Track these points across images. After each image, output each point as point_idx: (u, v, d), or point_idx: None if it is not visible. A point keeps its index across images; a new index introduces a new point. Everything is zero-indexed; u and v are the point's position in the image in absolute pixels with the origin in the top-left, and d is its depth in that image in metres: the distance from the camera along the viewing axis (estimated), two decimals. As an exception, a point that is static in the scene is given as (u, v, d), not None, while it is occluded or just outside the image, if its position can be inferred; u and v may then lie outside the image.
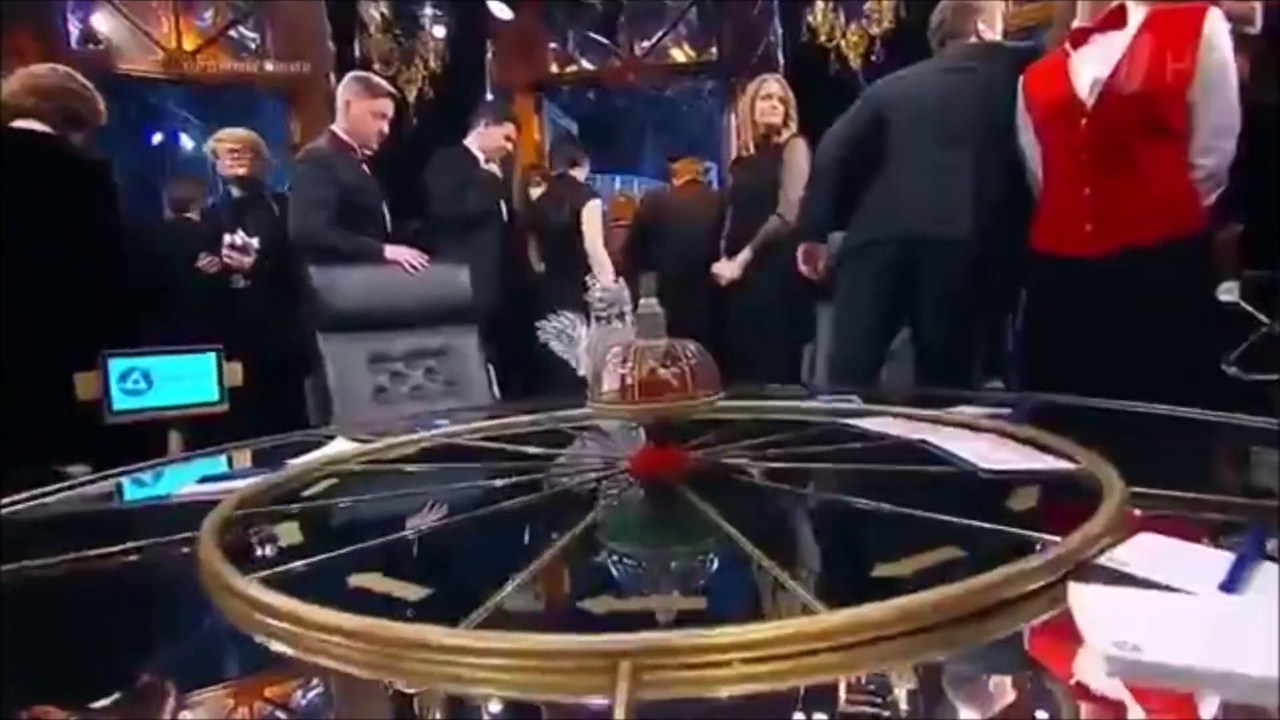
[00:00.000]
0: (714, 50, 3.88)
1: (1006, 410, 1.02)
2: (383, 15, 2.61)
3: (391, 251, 2.35)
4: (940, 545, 0.50)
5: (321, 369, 2.03)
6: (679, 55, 3.93)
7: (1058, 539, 0.47)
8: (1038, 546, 0.50)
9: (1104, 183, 1.60)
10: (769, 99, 2.65)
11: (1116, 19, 1.58)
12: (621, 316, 1.35)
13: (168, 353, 1.72)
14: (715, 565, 0.60)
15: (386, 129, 2.49)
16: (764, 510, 0.72)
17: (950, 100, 1.92)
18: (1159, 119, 1.50)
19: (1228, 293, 0.70)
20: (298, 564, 0.56)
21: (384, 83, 2.49)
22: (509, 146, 2.87)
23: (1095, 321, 1.62)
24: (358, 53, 2.72)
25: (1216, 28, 1.45)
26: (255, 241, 2.31)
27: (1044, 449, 0.76)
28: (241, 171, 2.51)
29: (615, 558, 0.62)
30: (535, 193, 3.30)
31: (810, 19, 2.69)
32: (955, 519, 0.56)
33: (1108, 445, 0.67)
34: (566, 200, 2.92)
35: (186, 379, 1.73)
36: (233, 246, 2.33)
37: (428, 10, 2.67)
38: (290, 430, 2.02)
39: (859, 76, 2.71)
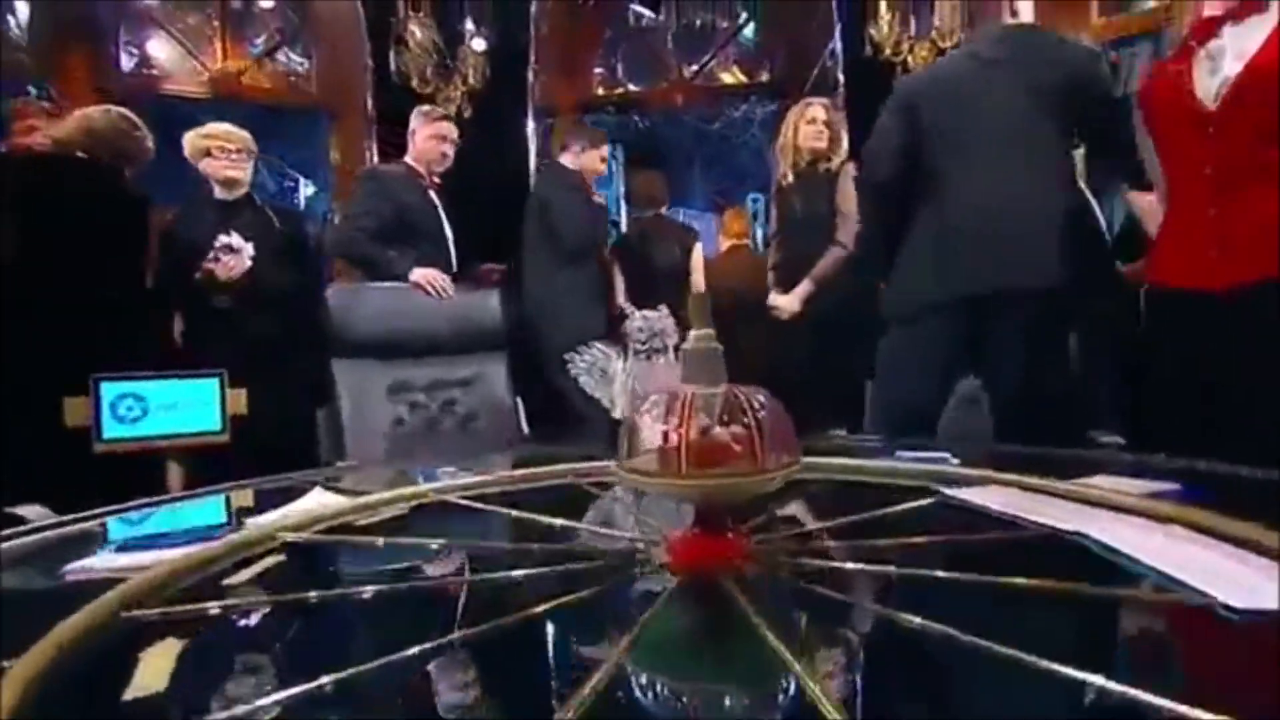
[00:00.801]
0: (766, 73, 3.71)
1: (1166, 485, 0.76)
2: (422, 30, 2.51)
3: (418, 273, 2.21)
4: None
5: (335, 398, 1.87)
6: (728, 78, 3.78)
7: None
8: None
9: (1232, 202, 1.33)
10: (814, 124, 2.46)
11: (1254, 2, 1.32)
12: (664, 350, 1.15)
13: (166, 378, 1.57)
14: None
15: (450, 151, 2.51)
16: (860, 650, 0.49)
17: (992, 96, 1.60)
18: None
19: None
20: None
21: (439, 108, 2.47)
22: (604, 170, 2.81)
23: (1221, 367, 1.34)
24: (394, 68, 2.62)
25: None
26: (250, 247, 2.16)
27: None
28: (238, 174, 2.30)
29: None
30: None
31: (873, 32, 2.48)
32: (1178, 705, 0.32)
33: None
34: (675, 240, 2.81)
35: (185, 406, 1.58)
36: (228, 248, 2.12)
37: (469, 25, 2.57)
38: (294, 467, 1.83)
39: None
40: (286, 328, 2.18)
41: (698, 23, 3.82)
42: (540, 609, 0.50)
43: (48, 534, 0.76)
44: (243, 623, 0.52)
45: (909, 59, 2.48)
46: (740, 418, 0.56)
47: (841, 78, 2.85)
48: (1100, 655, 0.47)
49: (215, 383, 1.63)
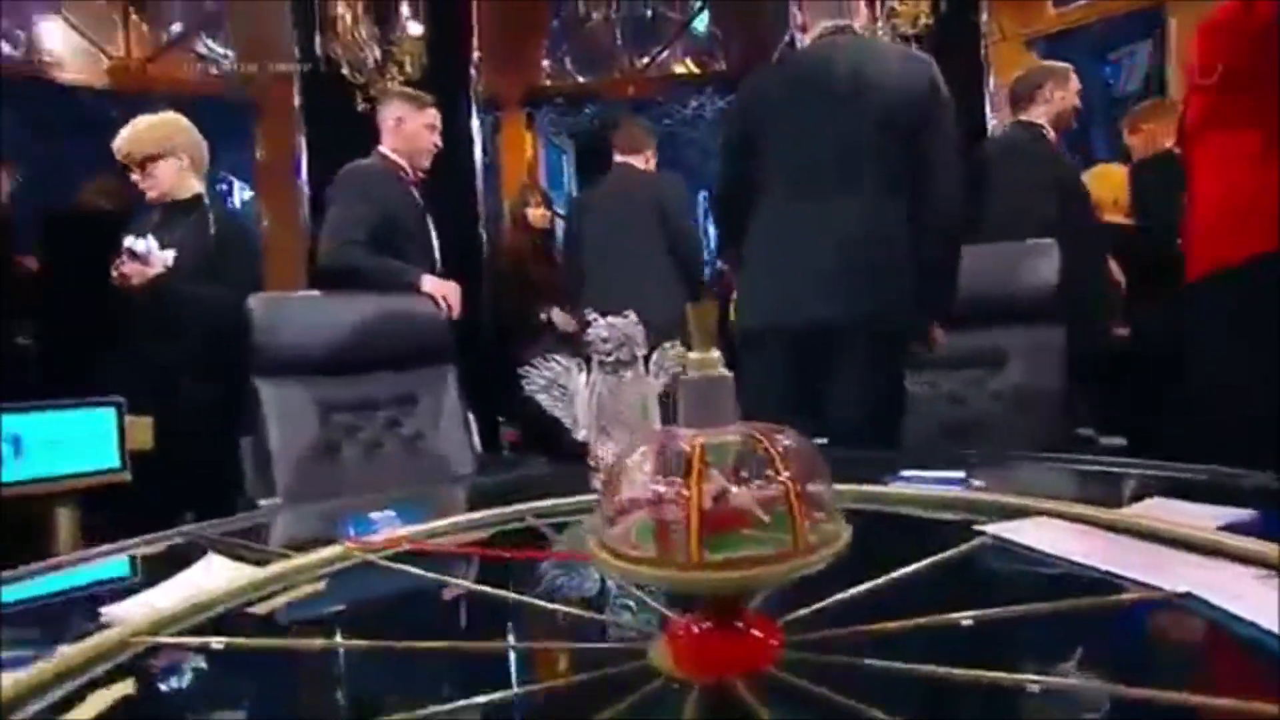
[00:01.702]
0: (720, 64, 3.59)
1: (1237, 513, 0.64)
2: (352, 14, 2.30)
3: (431, 284, 2.02)
4: None
5: (261, 423, 1.65)
6: (680, 70, 3.64)
7: None
8: None
9: None
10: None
11: None
12: (633, 362, 1.00)
13: (48, 408, 1.34)
14: None
15: (439, 142, 2.26)
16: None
17: (813, 117, 1.47)
18: None
19: None
20: None
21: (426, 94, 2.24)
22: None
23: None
24: (320, 53, 2.40)
25: None
26: (169, 255, 1.91)
27: None
28: (148, 187, 2.05)
29: None
30: (533, 214, 2.97)
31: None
32: None
33: None
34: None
35: (74, 442, 1.35)
36: (132, 254, 1.87)
37: (404, 8, 2.36)
38: (212, 508, 1.60)
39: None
40: (205, 346, 1.93)
41: (648, 13, 3.67)
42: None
43: None
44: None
45: (872, 45, 2.38)
46: (765, 473, 0.41)
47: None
48: None
49: (112, 413, 1.40)
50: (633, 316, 0.98)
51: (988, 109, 2.59)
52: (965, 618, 0.48)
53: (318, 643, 0.56)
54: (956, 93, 2.57)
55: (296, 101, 2.72)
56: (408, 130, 2.22)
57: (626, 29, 3.65)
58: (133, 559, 0.80)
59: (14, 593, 0.69)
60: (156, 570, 0.70)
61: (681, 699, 0.39)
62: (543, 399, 1.02)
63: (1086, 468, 0.97)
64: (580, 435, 0.99)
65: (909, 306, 1.47)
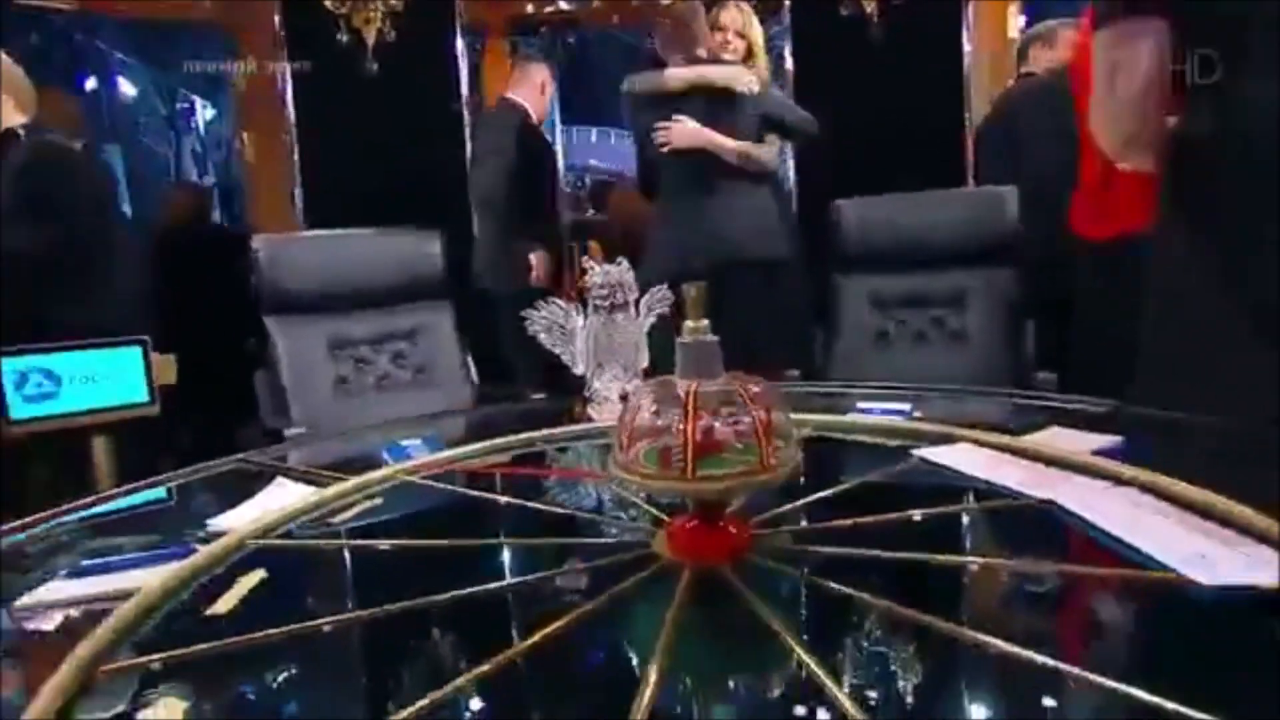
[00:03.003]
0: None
1: (1111, 440, 0.80)
2: (333, -58, 2.26)
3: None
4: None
5: (272, 358, 1.77)
6: (667, -4, 3.58)
7: None
8: None
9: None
10: (723, 31, 2.12)
11: None
12: (625, 306, 1.13)
13: (79, 348, 1.44)
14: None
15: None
16: (867, 643, 0.51)
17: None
18: None
19: None
20: None
21: None
22: None
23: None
24: (304, -16, 2.37)
25: None
26: None
27: (1241, 529, 0.55)
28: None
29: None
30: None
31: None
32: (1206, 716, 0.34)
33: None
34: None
35: (105, 378, 1.46)
36: None
37: (385, -62, 2.33)
38: (234, 436, 1.72)
39: (873, 20, 2.43)
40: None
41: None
42: (564, 621, 0.49)
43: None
44: (237, 668, 0.50)
45: (854, -19, 2.41)
46: (741, 413, 0.55)
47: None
48: (1085, 639, 0.51)
49: (138, 351, 1.51)
50: (624, 264, 1.10)
51: (965, 66, 2.64)
52: (888, 518, 0.64)
53: (387, 544, 0.71)
54: (936, 30, 2.62)
55: (278, 30, 2.67)
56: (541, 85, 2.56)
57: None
58: (207, 481, 0.94)
59: (116, 505, 0.83)
60: (230, 491, 0.85)
61: (678, 576, 0.55)
62: (543, 338, 1.14)
63: (1012, 400, 1.14)
64: (578, 370, 1.13)
65: None
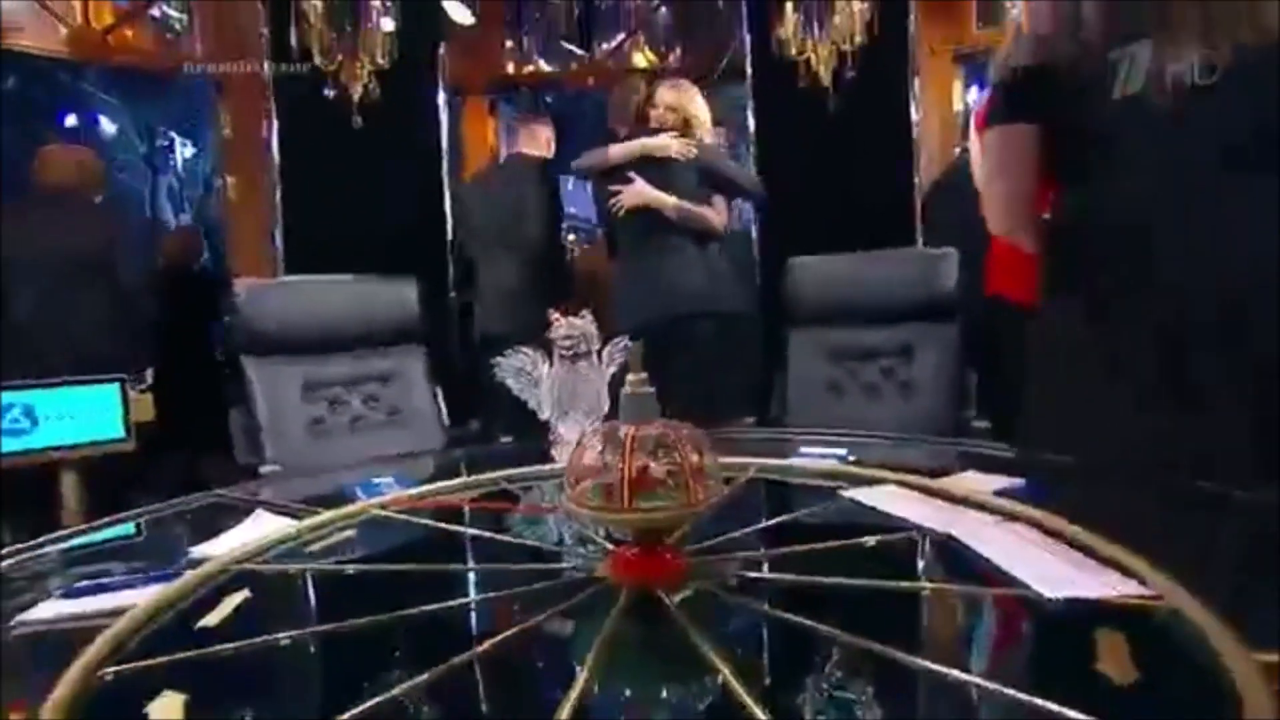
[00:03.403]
0: (674, 56, 3.77)
1: (1015, 482, 0.91)
2: (324, 5, 2.40)
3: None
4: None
5: (249, 398, 1.82)
6: (640, 60, 3.80)
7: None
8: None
9: None
10: (657, 107, 2.34)
11: None
12: (588, 354, 1.21)
13: (58, 385, 1.49)
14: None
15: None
16: (778, 653, 0.59)
17: None
18: None
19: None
20: None
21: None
22: None
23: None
24: (294, 44, 2.49)
25: None
26: None
27: (1093, 554, 0.65)
28: None
29: None
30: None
31: (780, 31, 2.60)
32: (1048, 702, 0.44)
33: (1163, 548, 0.58)
34: None
35: (82, 415, 1.51)
36: None
37: (375, 2, 2.47)
38: (214, 472, 1.77)
39: (829, 92, 2.63)
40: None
41: (609, 2, 3.81)
42: (508, 634, 0.56)
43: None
44: (224, 667, 0.56)
45: (812, 59, 2.61)
46: (671, 454, 0.64)
47: (750, 70, 2.96)
48: (999, 657, 0.60)
49: (115, 388, 1.56)
50: (588, 317, 1.20)
51: (913, 115, 2.85)
52: (812, 548, 0.73)
53: (353, 568, 0.78)
54: (887, 101, 2.82)
55: (266, 80, 2.79)
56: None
57: (589, 17, 3.78)
58: (183, 514, 1.00)
59: (100, 535, 0.89)
60: (209, 522, 0.90)
61: (618, 596, 0.63)
62: (511, 384, 1.23)
63: (937, 446, 1.24)
64: (543, 416, 1.21)
65: None
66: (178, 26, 3.55)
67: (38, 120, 5.63)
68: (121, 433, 1.55)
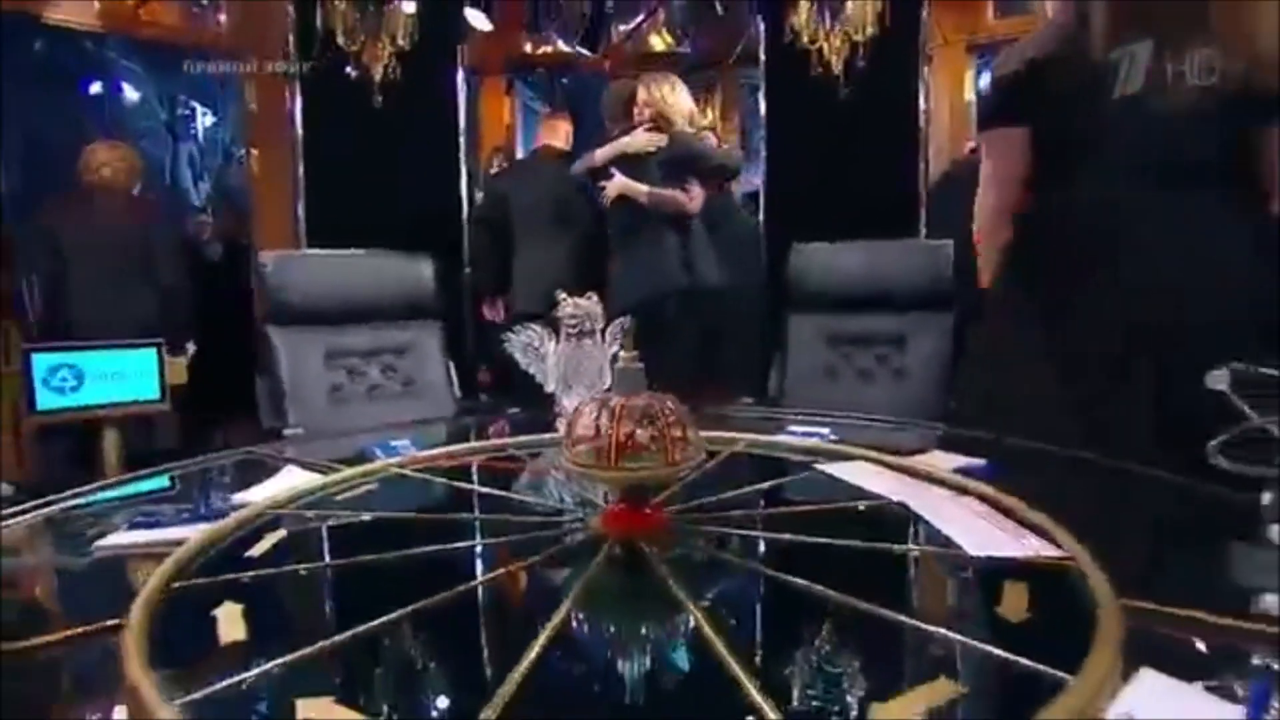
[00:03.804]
0: (688, 43, 3.81)
1: (975, 461, 1.00)
2: (346, -3, 2.47)
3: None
4: (937, 675, 0.47)
5: (274, 365, 1.93)
6: (658, 43, 3.84)
7: (1066, 677, 0.45)
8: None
9: None
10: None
11: None
12: (592, 333, 1.30)
13: (102, 348, 1.60)
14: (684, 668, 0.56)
15: None
16: (737, 596, 0.69)
17: None
18: None
19: (1217, 380, 0.69)
20: (244, 675, 0.50)
21: None
22: None
23: None
24: (319, 23, 2.56)
25: None
26: None
27: (1026, 524, 0.74)
28: None
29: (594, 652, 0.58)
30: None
31: (794, 20, 2.64)
32: (952, 633, 0.53)
33: (1087, 521, 0.66)
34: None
35: (123, 376, 1.62)
36: None
37: (399, -14, 2.54)
38: (238, 434, 1.89)
39: (840, 81, 2.67)
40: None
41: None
42: (513, 568, 0.66)
43: (42, 511, 0.86)
44: (267, 589, 0.67)
45: (824, 47, 2.65)
46: (654, 423, 0.73)
47: (763, 57, 3.00)
48: (923, 599, 0.69)
49: (154, 352, 1.67)
50: (594, 298, 1.29)
51: (922, 106, 2.88)
52: (779, 510, 0.83)
53: (388, 515, 0.88)
54: (897, 91, 2.86)
55: (291, 59, 2.86)
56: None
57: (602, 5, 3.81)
58: (222, 468, 1.10)
59: (150, 484, 1.00)
60: (245, 476, 1.01)
61: (606, 545, 0.72)
62: (519, 358, 1.32)
63: (919, 429, 1.33)
64: (549, 388, 1.30)
65: None
66: (204, 1, 3.63)
67: (61, 87, 5.73)
68: (157, 394, 1.66)
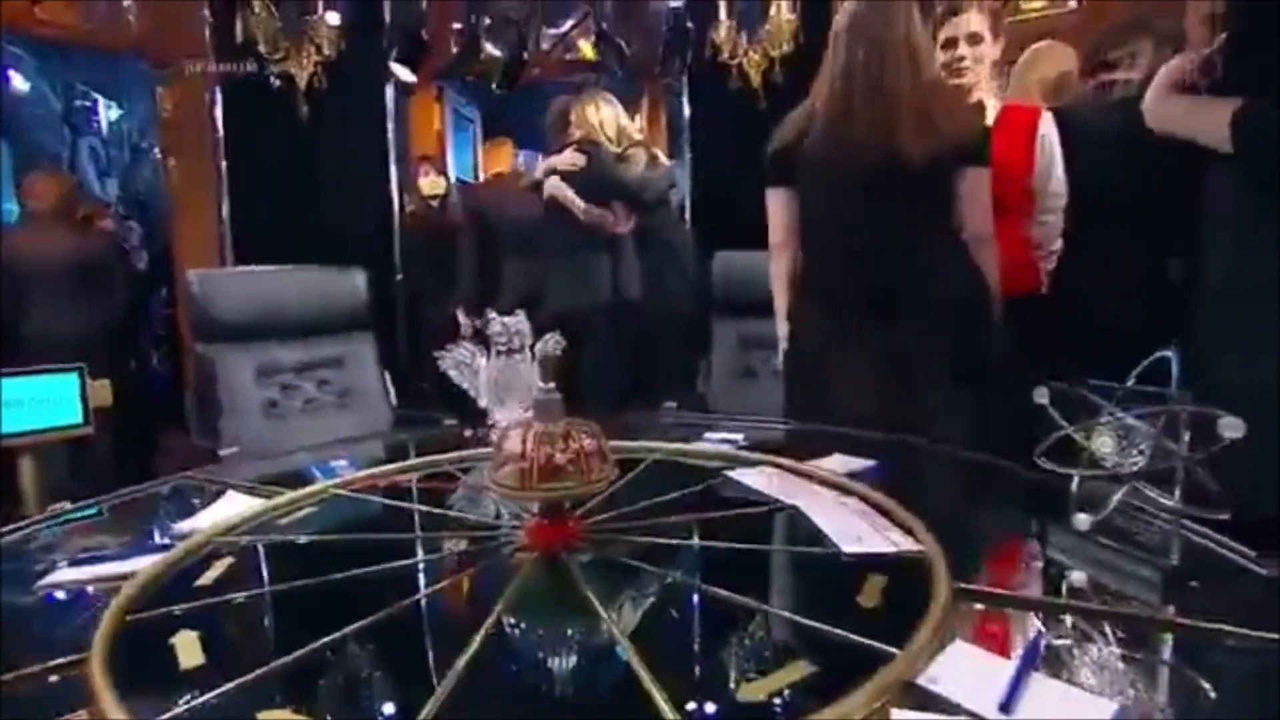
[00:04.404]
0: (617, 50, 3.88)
1: (866, 463, 1.13)
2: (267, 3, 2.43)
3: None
4: (797, 657, 0.58)
5: (205, 382, 1.93)
6: (587, 50, 3.90)
7: (895, 651, 0.56)
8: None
9: None
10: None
11: None
12: (521, 350, 1.38)
13: (18, 374, 1.58)
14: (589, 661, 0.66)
15: None
16: (640, 596, 0.79)
17: None
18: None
19: (1040, 396, 0.83)
20: (203, 697, 0.57)
21: None
22: None
23: None
24: (239, 30, 2.52)
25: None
26: None
27: (895, 522, 0.87)
28: None
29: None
30: (424, 183, 3.21)
31: (714, 35, 2.75)
32: (813, 622, 0.64)
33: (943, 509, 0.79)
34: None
35: (42, 403, 1.60)
36: None
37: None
38: (172, 454, 1.88)
39: (759, 94, 2.81)
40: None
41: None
42: (445, 583, 0.75)
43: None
44: (218, 615, 0.73)
45: (743, 62, 2.78)
46: (571, 446, 0.82)
47: (687, 69, 3.11)
48: (795, 592, 0.81)
49: (74, 376, 1.66)
50: (521, 316, 1.37)
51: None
52: (686, 519, 0.93)
53: (330, 538, 0.95)
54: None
55: (211, 67, 2.80)
56: None
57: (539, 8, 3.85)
58: (156, 494, 1.14)
59: (86, 513, 1.03)
60: (183, 503, 1.05)
61: (529, 557, 0.82)
62: (453, 374, 1.39)
63: (819, 431, 1.46)
64: (481, 403, 1.37)
65: None
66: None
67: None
68: (80, 419, 1.65)
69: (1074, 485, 0.80)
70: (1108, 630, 0.65)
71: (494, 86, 3.31)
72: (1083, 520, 0.78)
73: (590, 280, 2.49)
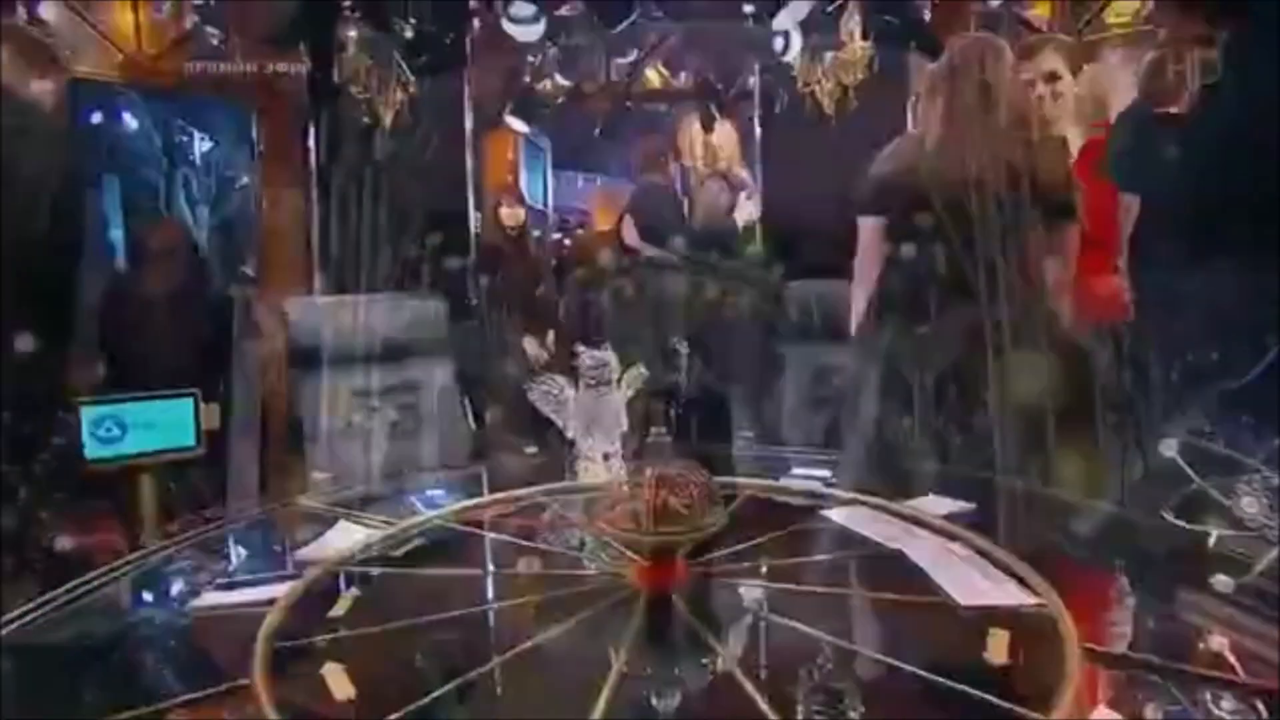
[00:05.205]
0: (683, 78, 3.95)
1: (963, 505, 1.11)
2: (360, 35, 2.58)
3: None
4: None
5: (296, 407, 2.03)
6: (654, 78, 3.97)
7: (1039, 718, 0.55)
8: None
9: None
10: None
11: None
12: (608, 382, 1.41)
13: (142, 399, 1.70)
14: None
15: None
16: (759, 643, 0.79)
17: None
18: None
19: (1168, 448, 0.80)
20: None
21: None
22: None
23: None
24: (336, 73, 2.68)
25: None
26: None
27: (1008, 571, 0.85)
28: None
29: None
30: (505, 213, 3.30)
31: (790, 61, 2.77)
32: (941, 679, 0.64)
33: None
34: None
35: (162, 426, 1.72)
36: None
37: (409, 33, 2.65)
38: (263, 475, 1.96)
39: (832, 123, 2.81)
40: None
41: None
42: (559, 629, 0.77)
43: (128, 570, 0.96)
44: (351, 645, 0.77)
45: (816, 90, 2.79)
46: (685, 490, 0.84)
47: (758, 97, 3.14)
48: (916, 648, 0.80)
49: (191, 402, 1.77)
50: (609, 350, 1.40)
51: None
52: (791, 562, 0.93)
53: (444, 572, 0.98)
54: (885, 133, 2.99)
55: (305, 106, 2.97)
56: None
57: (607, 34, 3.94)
58: (268, 519, 1.20)
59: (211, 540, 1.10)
60: (298, 527, 1.11)
61: (640, 597, 0.83)
62: (541, 406, 1.42)
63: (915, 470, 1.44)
64: (569, 434, 1.40)
65: None
66: (215, 41, 3.72)
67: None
68: (193, 441, 1.76)
69: (1210, 542, 0.77)
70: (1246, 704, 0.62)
71: (597, 132, 3.43)
72: (1224, 582, 0.74)
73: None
